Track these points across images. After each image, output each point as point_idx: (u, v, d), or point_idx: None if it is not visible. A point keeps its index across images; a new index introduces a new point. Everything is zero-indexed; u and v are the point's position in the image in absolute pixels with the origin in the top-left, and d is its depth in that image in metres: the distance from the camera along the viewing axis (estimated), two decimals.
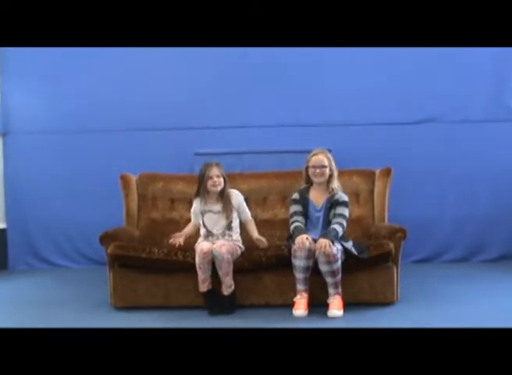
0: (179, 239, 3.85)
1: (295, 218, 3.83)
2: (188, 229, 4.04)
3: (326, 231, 3.68)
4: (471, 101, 5.37)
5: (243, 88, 5.46)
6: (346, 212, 3.79)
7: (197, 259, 3.70)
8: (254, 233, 3.97)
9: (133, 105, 5.50)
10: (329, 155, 3.91)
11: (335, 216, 3.76)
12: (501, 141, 5.36)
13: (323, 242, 3.55)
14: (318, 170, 3.83)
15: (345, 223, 3.75)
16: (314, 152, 3.91)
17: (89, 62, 5.49)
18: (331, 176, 3.85)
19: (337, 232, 3.66)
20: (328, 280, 3.62)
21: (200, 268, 3.70)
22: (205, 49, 4.95)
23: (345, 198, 3.83)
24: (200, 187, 3.95)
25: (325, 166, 3.83)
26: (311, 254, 3.60)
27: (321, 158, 3.85)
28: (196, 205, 4.01)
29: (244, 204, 4.04)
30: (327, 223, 3.78)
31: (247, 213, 4.04)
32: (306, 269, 3.62)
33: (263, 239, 3.89)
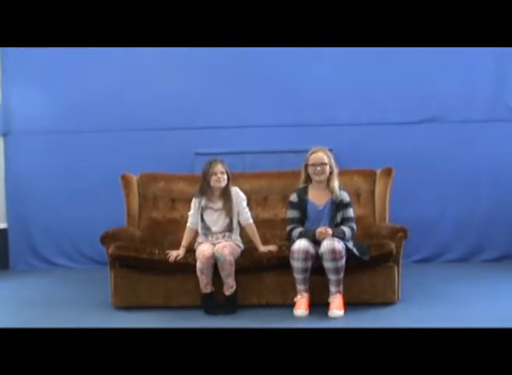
0: (178, 252, 3.83)
1: (293, 225, 3.81)
2: (186, 239, 3.92)
3: (335, 230, 3.67)
4: (471, 101, 5.36)
5: (244, 88, 5.45)
6: (352, 212, 3.82)
7: (199, 265, 3.67)
8: (259, 245, 3.90)
9: (133, 105, 5.49)
10: (329, 153, 3.87)
11: (344, 220, 3.77)
12: (501, 140, 5.36)
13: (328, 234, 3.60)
14: (318, 168, 3.79)
15: (355, 226, 3.79)
16: (313, 150, 3.86)
17: (89, 62, 5.48)
18: (331, 173, 3.82)
19: (344, 234, 3.68)
20: (331, 277, 3.61)
21: (202, 273, 3.68)
22: (205, 49, 4.95)
23: (347, 197, 3.83)
24: (203, 183, 3.90)
25: (326, 164, 3.79)
26: (309, 256, 3.60)
27: (321, 155, 3.81)
28: (195, 202, 3.94)
29: (245, 204, 3.94)
30: (333, 223, 3.76)
31: (247, 214, 3.93)
32: (304, 270, 3.62)
33: (270, 248, 3.87)
